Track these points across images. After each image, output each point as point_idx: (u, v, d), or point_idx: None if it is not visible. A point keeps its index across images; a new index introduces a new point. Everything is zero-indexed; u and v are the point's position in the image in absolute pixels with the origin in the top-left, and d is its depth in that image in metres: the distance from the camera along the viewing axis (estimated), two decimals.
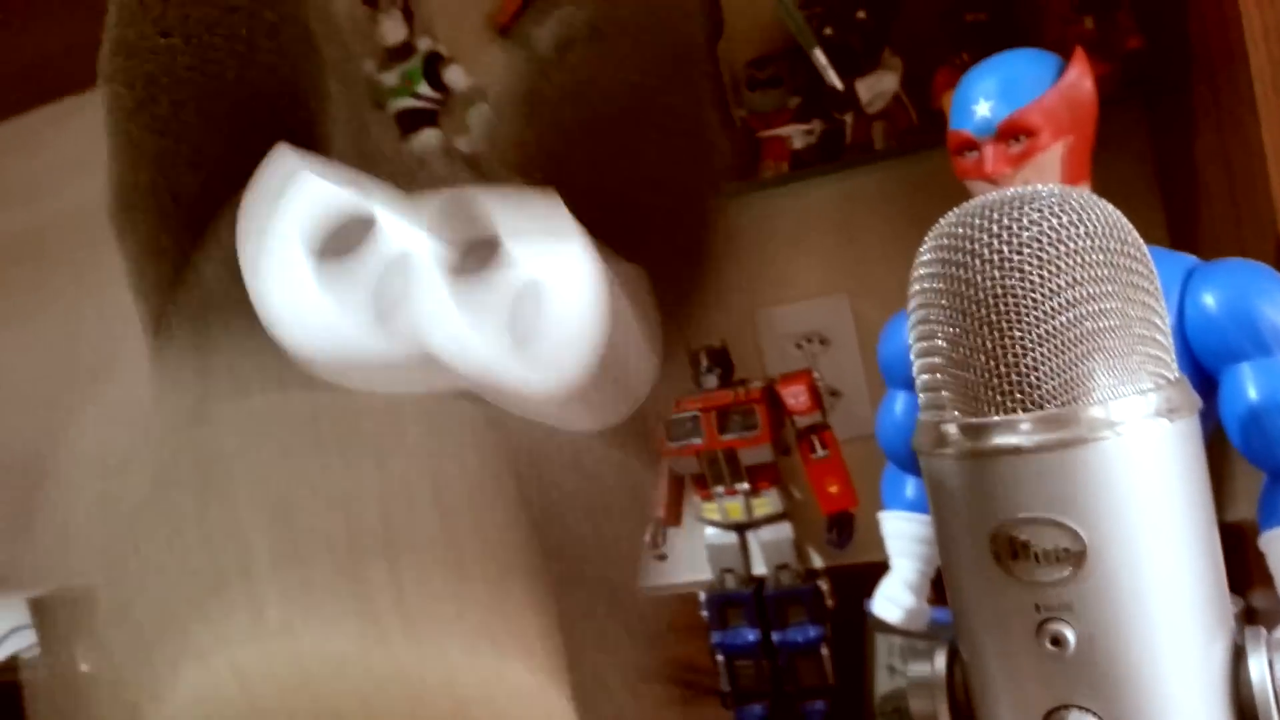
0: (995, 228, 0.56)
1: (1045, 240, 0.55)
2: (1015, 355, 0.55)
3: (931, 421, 0.59)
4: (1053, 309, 0.55)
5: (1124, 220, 0.58)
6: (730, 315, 1.50)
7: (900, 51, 1.28)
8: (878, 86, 1.25)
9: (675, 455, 1.39)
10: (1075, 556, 0.53)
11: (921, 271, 0.60)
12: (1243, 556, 0.84)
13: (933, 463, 0.59)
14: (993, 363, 0.56)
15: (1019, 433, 0.55)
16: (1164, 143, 1.25)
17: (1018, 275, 0.55)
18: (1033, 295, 0.55)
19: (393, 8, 1.47)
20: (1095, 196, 0.58)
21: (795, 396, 1.37)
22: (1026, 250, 0.55)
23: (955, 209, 0.61)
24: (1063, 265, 0.55)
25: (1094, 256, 0.55)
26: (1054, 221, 0.55)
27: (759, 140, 1.35)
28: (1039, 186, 0.57)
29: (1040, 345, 0.55)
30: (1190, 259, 0.79)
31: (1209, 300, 0.75)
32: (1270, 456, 0.71)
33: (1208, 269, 0.76)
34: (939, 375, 0.59)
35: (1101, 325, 0.55)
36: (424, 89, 1.47)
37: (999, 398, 0.56)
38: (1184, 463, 0.55)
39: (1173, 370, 0.58)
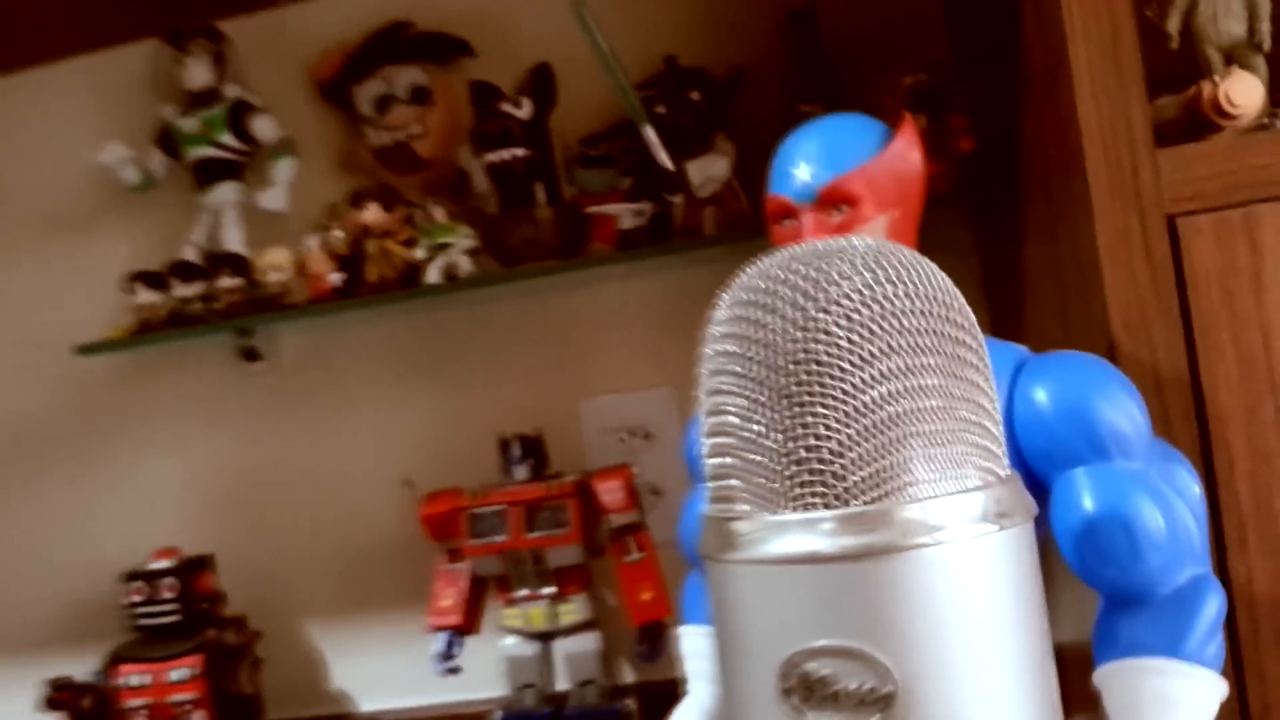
0: (800, 282, 0.45)
1: (857, 299, 0.44)
2: (817, 436, 0.43)
3: (717, 517, 0.47)
4: (863, 381, 0.43)
5: (950, 284, 0.47)
6: (550, 403, 1.37)
7: (734, 137, 1.20)
8: (709, 170, 1.17)
9: (478, 553, 1.22)
10: (883, 700, 0.41)
11: (715, 331, 0.48)
12: (1061, 682, 0.73)
13: (716, 570, 0.46)
14: (790, 443, 0.43)
15: (819, 533, 0.42)
16: (992, 244, 1.20)
17: (824, 338, 0.43)
18: (840, 364, 0.43)
19: (200, 51, 1.32)
20: (918, 255, 0.47)
21: (611, 493, 1.23)
22: (835, 309, 0.44)
23: (758, 260, 0.49)
24: (877, 329, 0.43)
25: (914, 321, 0.44)
26: (868, 277, 0.44)
27: (588, 220, 1.24)
28: (853, 238, 0.46)
29: (847, 425, 0.43)
30: (1020, 350, 0.70)
31: (1041, 396, 0.65)
32: (1105, 577, 0.60)
33: (1041, 361, 0.67)
34: (728, 459, 0.46)
35: (921, 405, 0.43)
36: (226, 138, 1.32)
37: (797, 489, 0.43)
38: (1016, 579, 0.43)
39: (1003, 465, 0.46)
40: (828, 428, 0.43)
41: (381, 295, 1.19)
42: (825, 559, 0.41)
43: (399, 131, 1.31)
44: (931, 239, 0.82)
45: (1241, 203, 0.79)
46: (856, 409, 0.43)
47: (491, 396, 1.38)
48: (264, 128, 1.32)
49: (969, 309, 0.47)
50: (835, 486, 0.43)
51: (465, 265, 1.19)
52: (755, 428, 0.45)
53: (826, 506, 0.43)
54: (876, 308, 0.44)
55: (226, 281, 1.23)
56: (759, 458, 0.44)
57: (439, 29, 1.34)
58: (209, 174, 1.34)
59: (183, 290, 1.25)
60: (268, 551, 1.46)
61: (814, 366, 0.43)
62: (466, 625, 1.24)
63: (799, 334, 0.44)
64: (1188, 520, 0.61)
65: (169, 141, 1.35)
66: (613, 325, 1.36)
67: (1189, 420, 0.80)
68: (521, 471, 1.25)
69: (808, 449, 0.43)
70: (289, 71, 1.40)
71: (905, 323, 0.44)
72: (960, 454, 0.44)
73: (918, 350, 0.44)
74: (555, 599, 1.23)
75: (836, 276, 0.44)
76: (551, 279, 1.25)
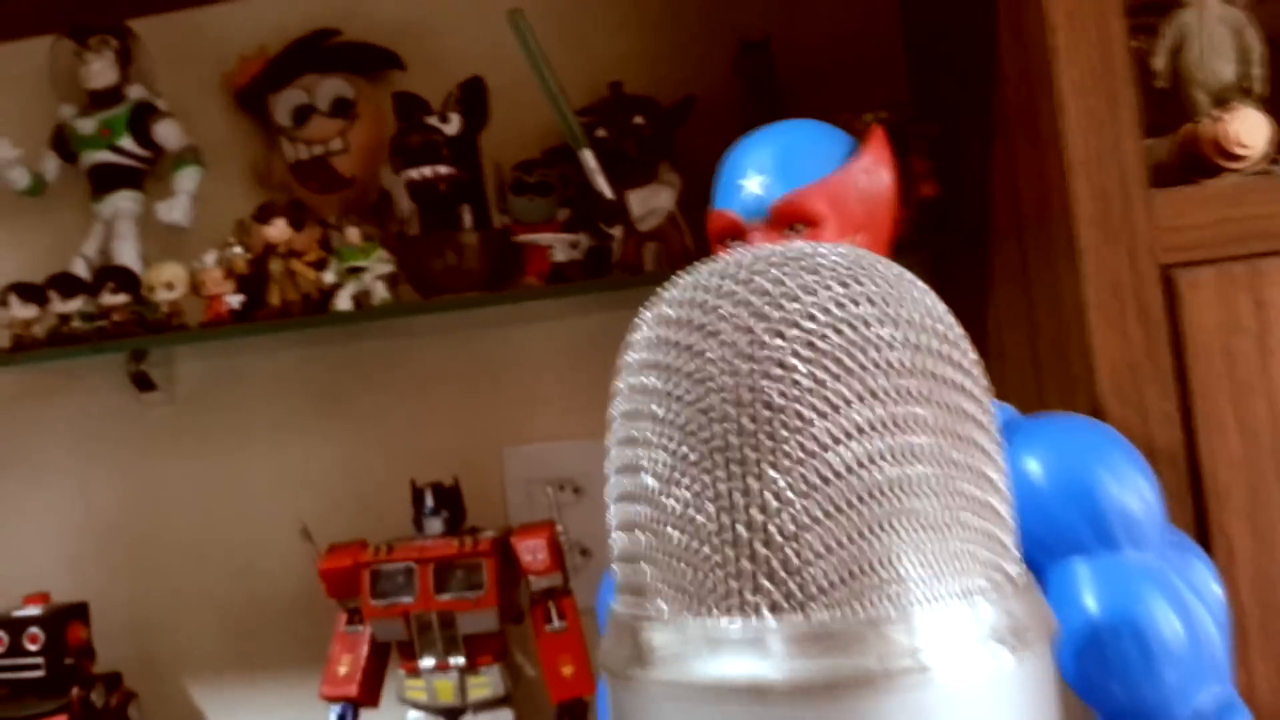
0: (749, 295, 0.32)
1: (825, 321, 0.31)
2: (764, 509, 0.30)
3: (624, 617, 0.33)
4: (830, 435, 0.30)
5: (947, 312, 0.35)
6: (471, 449, 1.23)
7: (680, 169, 1.09)
8: (652, 201, 1.05)
9: (379, 616, 1.07)
10: None
11: (632, 359, 0.35)
12: None
13: (620, 691, 0.32)
14: (726, 518, 0.30)
15: (765, 652, 0.29)
16: (952, 296, 1.09)
17: (777, 373, 0.31)
18: (799, 409, 0.30)
19: (105, 48, 1.18)
20: (906, 271, 0.35)
21: (533, 553, 1.09)
22: (794, 334, 0.31)
23: (694, 269, 0.36)
24: (851, 364, 0.31)
25: (902, 357, 0.31)
26: (840, 292, 0.32)
27: (520, 250, 1.12)
28: (821, 244, 0.34)
29: (806, 496, 0.30)
30: (1005, 408, 0.58)
31: (1035, 467, 0.52)
32: (1110, 694, 0.47)
33: (1033, 425, 0.54)
34: (641, 535, 0.33)
35: (909, 473, 0.31)
36: (127, 143, 1.17)
37: (733, 583, 0.30)
38: None
39: (1016, 560, 0.34)
40: (779, 498, 0.30)
41: (284, 321, 1.04)
42: (773, 691, 0.28)
43: (317, 145, 1.18)
44: None
45: (1246, 255, 0.68)
46: (820, 474, 0.30)
47: (406, 439, 1.24)
48: (168, 133, 1.18)
49: (970, 345, 0.35)
50: (787, 583, 0.30)
51: (380, 292, 1.05)
52: (680, 493, 0.31)
53: (774, 610, 0.30)
54: (851, 334, 0.31)
55: (111, 299, 1.08)
56: (683, 536, 0.31)
57: (368, 39, 1.22)
58: (105, 181, 1.19)
59: (62, 306, 1.09)
60: (151, 601, 1.29)
61: (762, 411, 0.30)
62: (363, 697, 1.09)
63: (744, 365, 0.31)
64: (1209, 627, 0.49)
65: (64, 143, 1.21)
66: (542, 366, 1.22)
67: (1184, 501, 0.68)
68: (435, 525, 1.11)
69: (749, 526, 0.30)
70: (204, 76, 1.26)
71: (889, 357, 0.31)
72: (961, 545, 0.31)
73: (905, 396, 0.31)
74: (465, 670, 1.08)
75: (798, 290, 0.31)
76: (477, 312, 1.11)
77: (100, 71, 1.18)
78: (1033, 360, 0.83)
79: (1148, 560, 0.50)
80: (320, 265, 1.06)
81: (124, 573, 1.29)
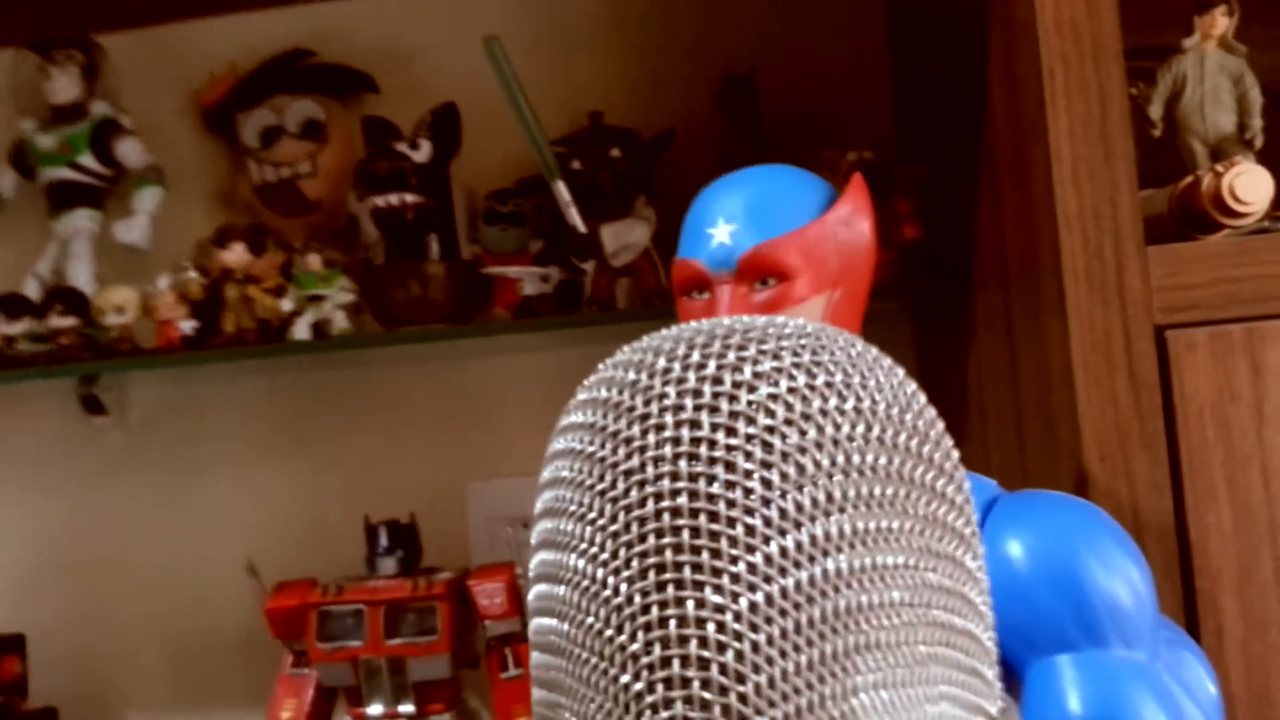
0: (694, 379, 0.27)
1: (783, 416, 0.26)
2: (708, 645, 0.24)
3: None
4: (786, 555, 0.25)
5: (925, 402, 0.29)
6: (432, 484, 1.17)
7: (657, 204, 1.04)
8: (626, 236, 1.00)
9: (326, 660, 1.00)
10: None
11: (557, 445, 0.30)
12: None
13: None
14: (650, 651, 0.25)
15: None
16: (933, 346, 1.05)
17: (722, 475, 0.25)
18: (750, 521, 0.25)
19: (70, 63, 1.13)
20: (881, 354, 0.29)
21: (489, 596, 1.03)
22: (748, 430, 0.26)
23: (638, 341, 0.31)
24: (812, 468, 0.25)
25: (873, 459, 0.26)
26: (802, 381, 0.26)
27: (489, 282, 1.06)
28: (778, 318, 0.29)
29: (754, 629, 0.24)
30: (988, 484, 0.52)
31: (1017, 551, 0.46)
32: None
33: (1017, 504, 0.48)
34: (552, 658, 0.27)
35: (877, 599, 0.25)
36: (87, 160, 1.11)
37: None
38: None
39: (998, 697, 0.28)
40: (723, 629, 0.24)
41: (237, 349, 0.99)
42: None
43: (285, 168, 1.12)
44: (865, 335, 0.65)
45: (1244, 317, 0.64)
46: (770, 601, 0.24)
47: (366, 473, 1.18)
48: (129, 151, 1.12)
49: (945, 434, 0.29)
50: None
51: (340, 322, 1.00)
52: (603, 611, 0.26)
53: None
54: (814, 432, 0.26)
55: (59, 321, 1.02)
56: (599, 663, 0.26)
57: (343, 61, 1.17)
58: (63, 198, 1.13)
59: (6, 328, 1.03)
60: (93, 634, 1.22)
61: (706, 522, 0.25)
62: None
63: (682, 464, 0.25)
64: None
65: (23, 159, 1.15)
66: (509, 401, 1.17)
67: (1172, 576, 0.63)
68: (388, 565, 1.04)
69: (685, 662, 0.25)
70: (173, 94, 1.21)
71: (857, 459, 0.26)
72: (935, 687, 0.25)
73: (875, 506, 0.26)
74: (415, 718, 1.01)
75: (752, 376, 0.26)
76: (442, 344, 1.06)
77: (64, 86, 1.12)
78: (1015, 419, 0.78)
79: (1138, 659, 0.45)
80: (280, 292, 1.01)
81: (67, 603, 1.22)
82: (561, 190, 0.96)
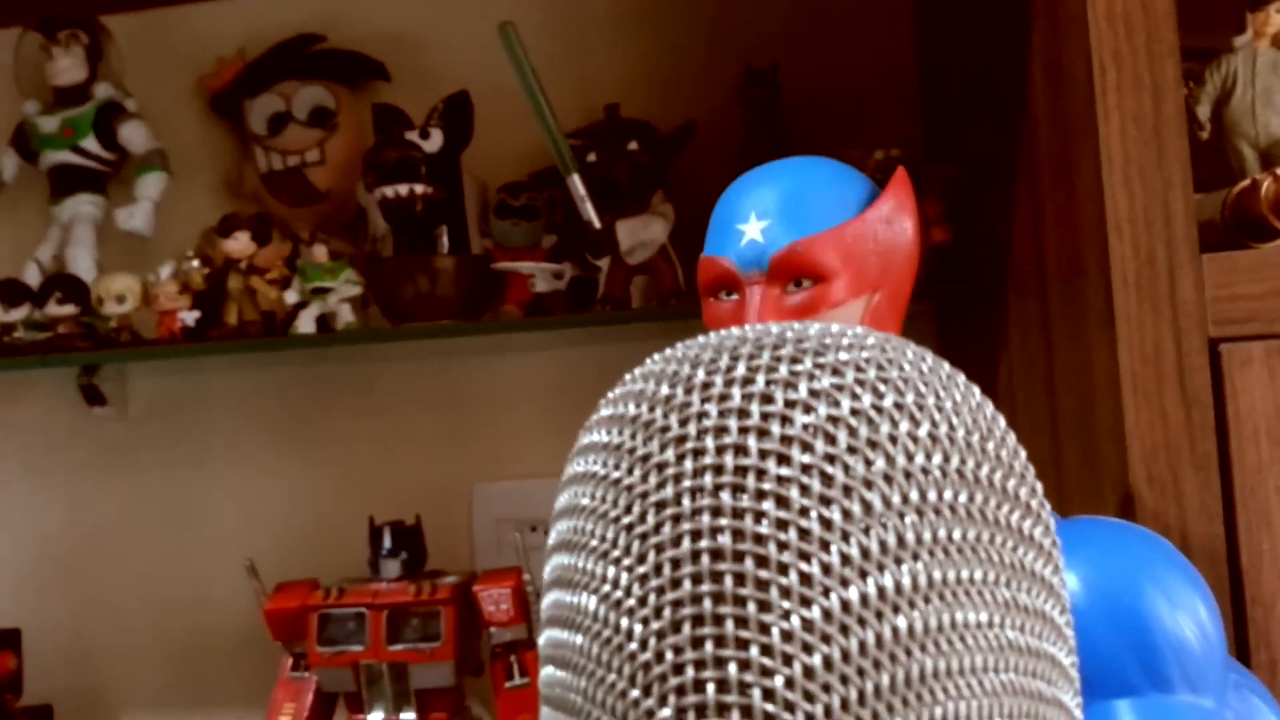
0: (744, 402, 0.22)
1: (847, 443, 0.22)
2: (737, 715, 0.20)
3: None
4: (848, 610, 0.21)
5: (1003, 424, 0.25)
6: (439, 484, 1.13)
7: (675, 199, 1.00)
8: (642, 233, 0.96)
9: (326, 664, 0.97)
10: None
11: (573, 469, 0.25)
12: None
13: None
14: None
15: None
16: (961, 355, 1.00)
17: (776, 515, 0.21)
18: (804, 567, 0.21)
19: (74, 43, 1.09)
20: (955, 370, 0.25)
21: (495, 603, 0.99)
22: (804, 459, 0.21)
23: (667, 351, 0.27)
24: (880, 506, 0.21)
25: (948, 493, 0.22)
26: (869, 403, 0.22)
27: (500, 278, 1.02)
28: (834, 325, 0.24)
29: (808, 702, 0.20)
30: None
31: (1075, 586, 0.41)
32: None
33: (1074, 533, 0.43)
34: (563, 675, 0.23)
35: (955, 664, 0.21)
36: (90, 144, 1.08)
37: None
38: None
39: None
40: (767, 696, 0.20)
41: (238, 342, 0.95)
42: None
43: (293, 156, 1.08)
44: None
45: None
46: (828, 665, 0.20)
47: (370, 471, 1.14)
48: (134, 135, 1.08)
49: (1034, 474, 0.25)
50: None
51: (346, 316, 0.96)
52: (627, 668, 0.22)
53: None
54: (883, 462, 0.22)
55: (57, 309, 0.98)
56: (611, 702, 0.21)
57: (354, 48, 1.13)
58: (65, 182, 1.09)
59: (4, 315, 0.99)
60: (90, 630, 1.19)
61: (752, 568, 0.21)
62: None
63: (724, 497, 0.21)
64: None
65: (25, 141, 1.11)
66: (519, 401, 1.13)
67: (1221, 605, 0.58)
68: (391, 568, 1.00)
69: None
70: (179, 78, 1.17)
71: (935, 497, 0.22)
72: None
73: (955, 552, 0.22)
74: None
75: (809, 394, 0.22)
76: (450, 342, 1.02)
77: (68, 68, 1.08)
78: (1051, 434, 0.74)
79: (1205, 706, 0.41)
80: (285, 284, 0.97)
81: (65, 598, 1.19)
82: (576, 184, 0.92)
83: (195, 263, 0.97)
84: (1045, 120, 0.71)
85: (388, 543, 1.01)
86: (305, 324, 0.96)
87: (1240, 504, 0.59)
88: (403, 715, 0.97)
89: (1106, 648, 0.41)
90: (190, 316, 0.97)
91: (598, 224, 0.93)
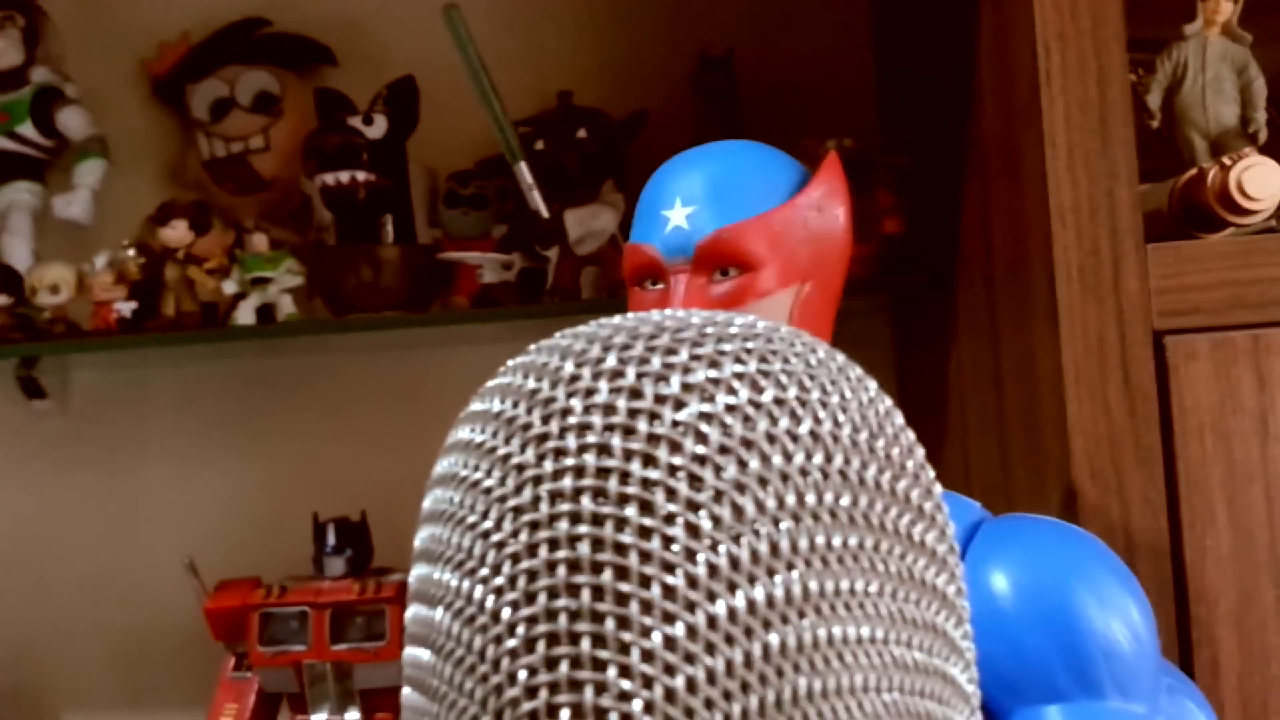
0: (602, 388, 0.20)
1: (720, 442, 0.19)
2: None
3: None
4: (713, 632, 0.19)
5: (900, 422, 0.23)
6: (386, 480, 1.10)
7: (626, 189, 0.97)
8: (592, 223, 0.93)
9: (268, 664, 0.94)
10: None
11: (436, 470, 0.23)
12: None
13: None
14: None
15: None
16: (913, 346, 0.99)
17: (636, 519, 0.19)
18: (669, 580, 0.19)
19: (10, 26, 1.05)
20: (850, 363, 0.23)
21: None
22: (672, 459, 0.19)
23: (550, 339, 0.25)
24: (755, 511, 0.19)
25: (832, 496, 0.20)
26: (746, 397, 0.20)
27: (448, 268, 1.00)
28: (720, 314, 0.22)
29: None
30: (972, 507, 0.45)
31: (1003, 586, 0.40)
32: None
33: (1005, 533, 0.42)
34: (418, 697, 0.21)
35: (830, 685, 0.19)
36: (27, 130, 1.04)
37: None
38: None
39: None
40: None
41: (176, 334, 0.92)
42: None
43: (236, 142, 1.05)
44: (839, 333, 0.59)
45: (1249, 324, 0.58)
46: (692, 687, 0.18)
47: (316, 466, 1.11)
48: (72, 121, 1.04)
49: (931, 474, 0.23)
50: None
51: (287, 307, 0.93)
52: (470, 689, 0.19)
53: None
54: (758, 463, 0.19)
55: None
56: None
57: (299, 31, 1.10)
58: (1, 170, 1.05)
59: None
60: (28, 628, 1.15)
61: (606, 579, 0.19)
62: None
63: (585, 502, 0.19)
64: None
65: None
66: (468, 394, 1.08)
67: (1165, 602, 0.58)
68: (336, 565, 0.98)
69: None
70: (120, 63, 1.13)
71: (815, 501, 0.20)
72: None
73: (836, 561, 0.20)
74: None
75: (681, 388, 0.20)
76: (397, 334, 0.99)
77: (3, 51, 1.05)
78: (998, 429, 0.72)
79: (1136, 712, 0.39)
80: (225, 274, 0.94)
81: (2, 595, 1.15)
82: (523, 172, 0.90)
83: (131, 252, 0.94)
84: (992, 106, 0.69)
85: (332, 539, 0.98)
86: (245, 315, 0.93)
87: (1184, 499, 0.58)
88: (347, 716, 0.95)
89: (1034, 651, 0.39)
90: (127, 307, 0.93)
91: (545, 213, 0.91)
